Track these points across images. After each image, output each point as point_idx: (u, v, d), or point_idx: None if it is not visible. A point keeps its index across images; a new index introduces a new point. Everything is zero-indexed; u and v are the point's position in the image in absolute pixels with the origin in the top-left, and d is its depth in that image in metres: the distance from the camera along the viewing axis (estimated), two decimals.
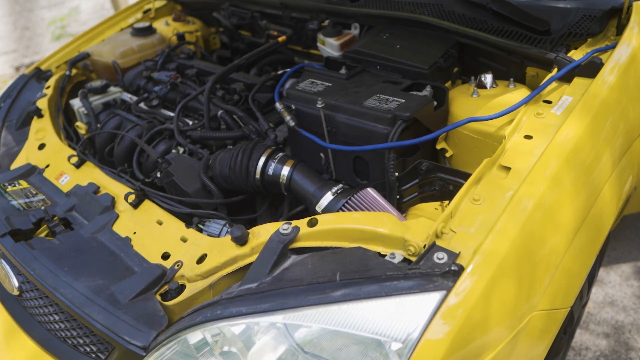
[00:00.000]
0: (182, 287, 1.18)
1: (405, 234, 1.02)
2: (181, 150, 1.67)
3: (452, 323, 0.90)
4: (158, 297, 1.17)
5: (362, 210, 1.24)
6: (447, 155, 1.47)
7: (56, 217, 1.45)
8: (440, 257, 0.95)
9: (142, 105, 1.90)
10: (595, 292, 2.28)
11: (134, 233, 1.35)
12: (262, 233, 1.16)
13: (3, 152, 1.83)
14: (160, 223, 1.36)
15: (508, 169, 1.12)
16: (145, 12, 2.59)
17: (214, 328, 1.01)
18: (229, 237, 1.18)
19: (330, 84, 1.54)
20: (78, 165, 1.62)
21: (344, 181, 1.44)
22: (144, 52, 2.23)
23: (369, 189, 1.27)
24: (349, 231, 1.08)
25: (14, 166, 1.73)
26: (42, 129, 1.82)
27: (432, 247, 0.98)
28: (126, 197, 1.44)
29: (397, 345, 0.89)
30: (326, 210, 1.28)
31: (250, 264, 1.11)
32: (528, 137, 1.19)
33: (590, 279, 1.63)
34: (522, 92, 1.44)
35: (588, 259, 1.22)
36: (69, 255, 1.29)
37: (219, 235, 1.32)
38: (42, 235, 1.44)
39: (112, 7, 5.63)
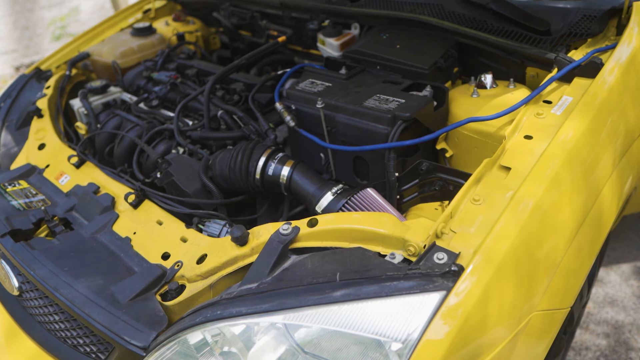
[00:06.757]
0: (182, 287, 1.18)
1: (405, 234, 1.02)
2: (181, 150, 1.67)
3: (452, 323, 0.90)
4: (158, 297, 1.17)
5: (362, 210, 1.24)
6: (447, 155, 1.47)
7: (56, 217, 1.45)
8: (440, 258, 0.95)
9: (142, 105, 1.90)
10: (595, 292, 2.27)
11: (134, 233, 1.35)
12: (262, 233, 1.16)
13: (3, 152, 1.83)
14: (160, 223, 1.36)
15: (508, 169, 1.12)
16: (145, 12, 2.59)
17: (214, 328, 1.01)
18: (229, 237, 1.18)
19: (330, 84, 1.54)
20: (78, 165, 1.62)
21: (344, 181, 1.44)
22: (144, 52, 2.23)
23: (369, 189, 1.27)
24: (349, 231, 1.08)
25: (14, 166, 1.72)
26: (42, 129, 1.82)
27: (432, 248, 0.98)
28: (126, 197, 1.44)
29: (397, 346, 0.89)
30: (326, 210, 1.28)
31: (250, 264, 1.11)
32: (528, 137, 1.19)
33: (590, 279, 1.63)
34: (522, 92, 1.44)
35: (588, 259, 1.22)
36: (69, 256, 1.29)
37: (219, 236, 1.32)
38: (42, 235, 1.44)
39: (112, 7, 5.63)
